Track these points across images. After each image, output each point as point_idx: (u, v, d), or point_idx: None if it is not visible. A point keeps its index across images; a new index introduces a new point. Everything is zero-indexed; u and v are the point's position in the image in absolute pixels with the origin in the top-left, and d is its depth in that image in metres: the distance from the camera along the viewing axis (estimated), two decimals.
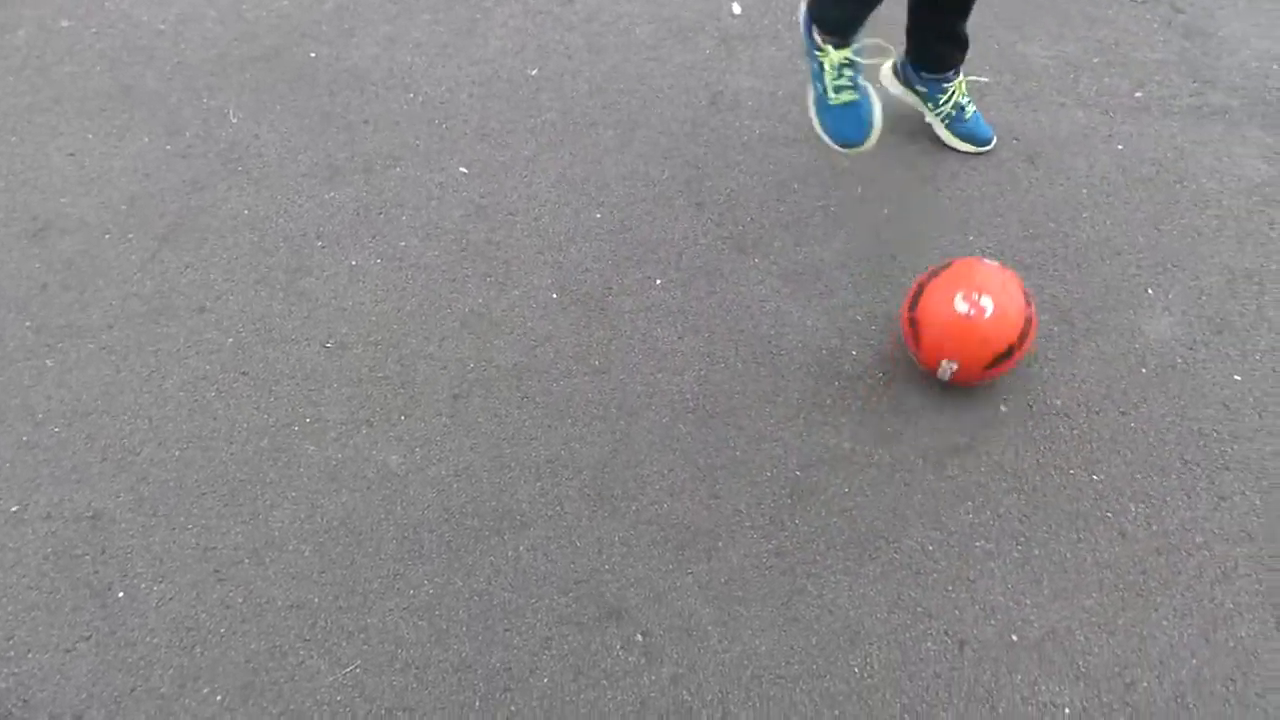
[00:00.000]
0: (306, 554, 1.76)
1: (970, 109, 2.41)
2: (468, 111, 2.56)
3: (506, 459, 1.88)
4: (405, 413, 1.95)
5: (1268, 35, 2.75)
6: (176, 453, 1.90)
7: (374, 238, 2.27)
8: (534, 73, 2.67)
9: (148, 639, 1.68)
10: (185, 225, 2.29)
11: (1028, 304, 1.90)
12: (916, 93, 2.43)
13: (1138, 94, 2.59)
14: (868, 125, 2.11)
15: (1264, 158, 2.41)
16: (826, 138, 2.18)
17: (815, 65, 2.13)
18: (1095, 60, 2.68)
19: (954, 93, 2.38)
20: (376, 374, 2.02)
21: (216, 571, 1.75)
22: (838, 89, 2.10)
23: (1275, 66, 2.66)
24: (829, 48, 2.06)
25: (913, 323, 1.93)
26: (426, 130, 2.52)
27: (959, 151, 2.43)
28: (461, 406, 1.96)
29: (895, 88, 2.46)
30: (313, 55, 2.73)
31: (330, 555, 1.76)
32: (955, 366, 1.88)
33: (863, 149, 2.15)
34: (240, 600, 1.72)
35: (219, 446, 1.91)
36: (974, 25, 2.74)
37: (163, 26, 2.78)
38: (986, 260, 2.00)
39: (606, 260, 2.22)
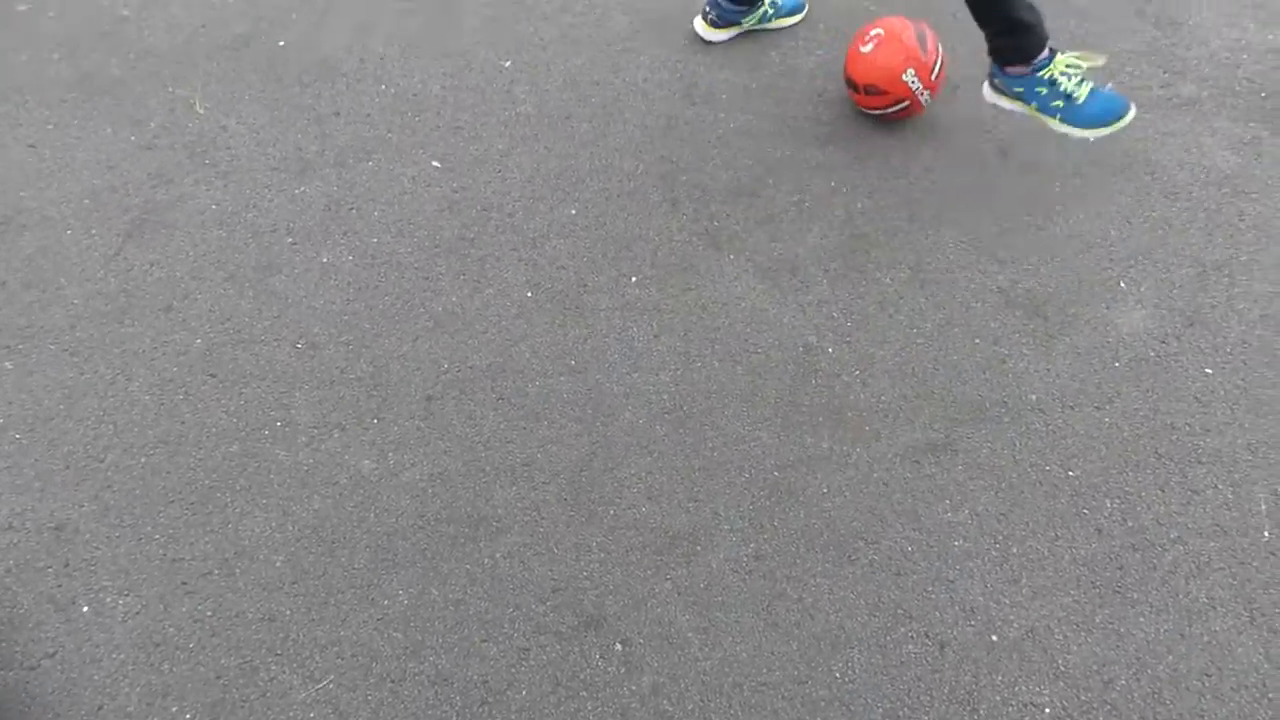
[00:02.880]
0: (278, 564, 1.73)
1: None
2: (440, 104, 2.52)
3: (482, 462, 1.86)
4: (378, 415, 1.92)
5: (1235, 25, 2.76)
6: (143, 459, 1.86)
7: (345, 234, 2.23)
8: (508, 64, 2.63)
9: (114, 655, 1.64)
10: (151, 220, 2.24)
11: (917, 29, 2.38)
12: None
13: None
14: (1117, 98, 2.21)
15: (1233, 149, 2.42)
16: (1093, 132, 2.22)
17: (1044, 91, 2.19)
18: (1068, 50, 2.67)
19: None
20: (348, 375, 1.98)
21: (185, 584, 1.71)
22: (1079, 84, 2.18)
23: (1244, 56, 2.66)
24: (1047, 64, 2.17)
25: (866, 89, 2.38)
26: (399, 123, 2.47)
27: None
28: (435, 408, 1.93)
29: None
30: (282, 44, 2.67)
31: (302, 565, 1.73)
32: (912, 72, 2.34)
33: (1129, 118, 2.20)
34: (209, 613, 1.68)
35: (187, 452, 1.87)
36: (950, 20, 2.73)
37: (125, 12, 2.70)
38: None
39: (581, 257, 2.19)
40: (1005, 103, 2.30)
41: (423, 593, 1.70)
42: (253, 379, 1.97)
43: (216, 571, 1.72)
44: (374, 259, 2.18)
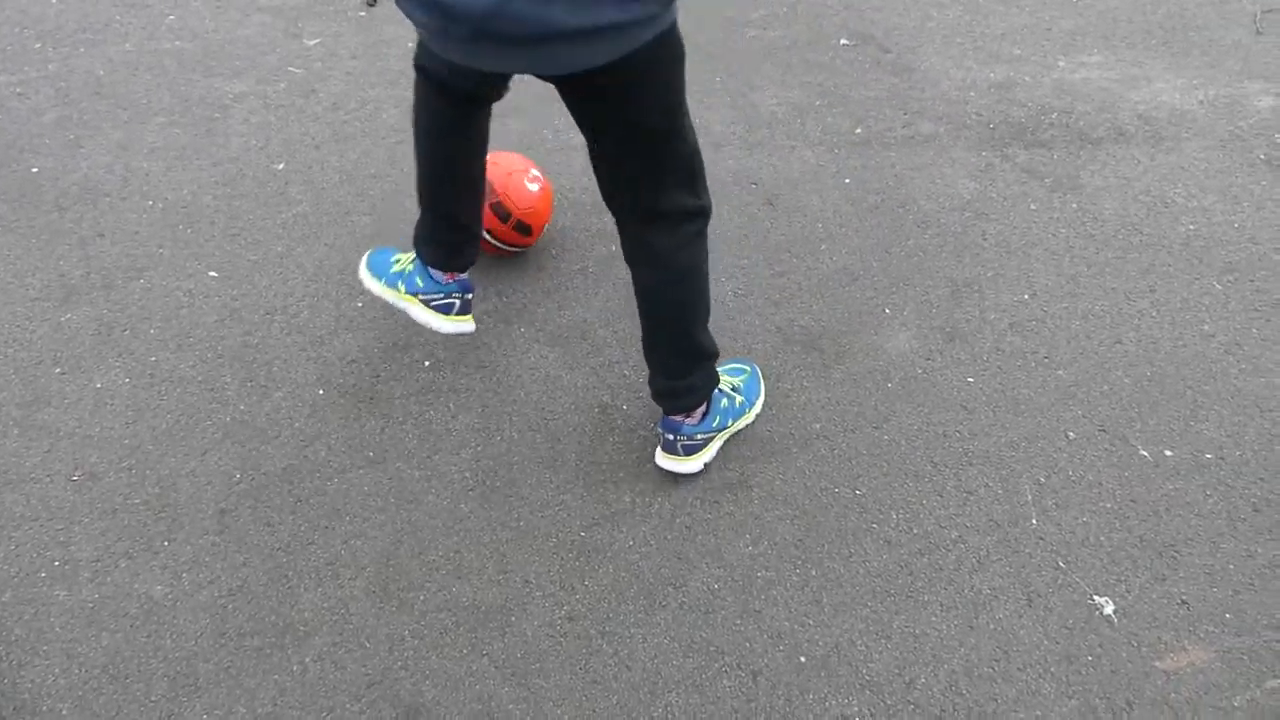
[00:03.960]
0: (64, 712, 1.62)
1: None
2: (213, 214, 2.48)
3: (284, 569, 1.81)
4: (168, 538, 1.85)
5: (960, 66, 3.07)
6: None
7: (120, 355, 2.15)
8: (281, 167, 2.63)
9: None
10: None
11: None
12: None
13: (858, 130, 2.82)
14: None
15: (971, 176, 2.67)
16: None
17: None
18: (818, 103, 2.90)
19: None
20: (133, 501, 1.90)
21: None
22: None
23: (971, 93, 2.96)
24: None
25: (519, 225, 2.26)
26: (170, 237, 2.42)
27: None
28: (230, 521, 1.88)
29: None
30: (35, 170, 2.58)
31: (92, 708, 1.63)
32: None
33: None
34: None
35: None
36: (708, 82, 2.90)
37: None
38: (496, 158, 2.22)
39: (372, 348, 2.19)
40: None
41: (229, 713, 1.63)
42: (24, 520, 1.86)
43: None
44: (153, 378, 2.11)
